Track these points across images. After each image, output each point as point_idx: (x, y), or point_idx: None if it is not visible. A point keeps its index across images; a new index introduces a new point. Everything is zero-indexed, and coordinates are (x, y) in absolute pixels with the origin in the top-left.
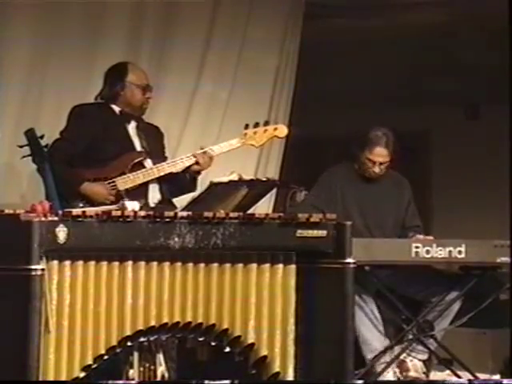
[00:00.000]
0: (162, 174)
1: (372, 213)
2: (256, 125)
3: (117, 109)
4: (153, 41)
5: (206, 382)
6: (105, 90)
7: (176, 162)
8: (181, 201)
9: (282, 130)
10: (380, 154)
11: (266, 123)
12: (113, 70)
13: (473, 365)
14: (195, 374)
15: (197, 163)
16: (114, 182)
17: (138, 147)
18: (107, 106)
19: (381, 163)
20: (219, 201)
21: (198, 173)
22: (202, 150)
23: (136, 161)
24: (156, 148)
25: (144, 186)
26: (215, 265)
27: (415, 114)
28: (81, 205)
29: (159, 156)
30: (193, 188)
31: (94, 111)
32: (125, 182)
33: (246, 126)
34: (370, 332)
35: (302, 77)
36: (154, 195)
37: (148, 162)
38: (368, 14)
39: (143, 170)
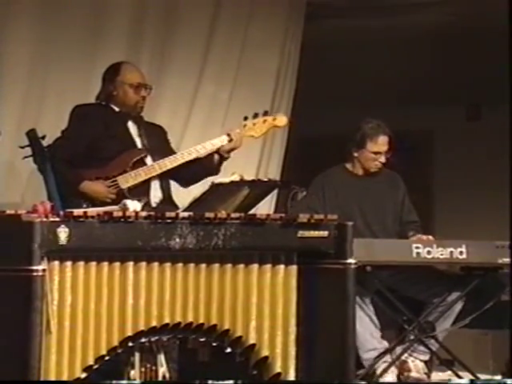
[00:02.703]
0: (163, 170)
1: (372, 211)
2: (255, 115)
3: (117, 109)
4: (154, 42)
5: (210, 382)
6: (101, 92)
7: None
8: (182, 201)
9: (282, 120)
10: (385, 142)
11: (265, 113)
12: (107, 71)
13: (474, 365)
14: (196, 374)
15: (230, 141)
16: (115, 180)
17: (139, 146)
18: (108, 105)
19: (385, 152)
20: (221, 201)
21: (228, 154)
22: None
23: (137, 158)
24: (158, 146)
25: (146, 184)
26: (216, 265)
27: (416, 115)
28: (84, 205)
29: (161, 153)
30: (218, 171)
31: (95, 111)
32: (126, 180)
33: (245, 118)
34: (369, 332)
35: (303, 77)
36: (156, 193)
37: (149, 160)
38: (368, 14)
39: (144, 167)
